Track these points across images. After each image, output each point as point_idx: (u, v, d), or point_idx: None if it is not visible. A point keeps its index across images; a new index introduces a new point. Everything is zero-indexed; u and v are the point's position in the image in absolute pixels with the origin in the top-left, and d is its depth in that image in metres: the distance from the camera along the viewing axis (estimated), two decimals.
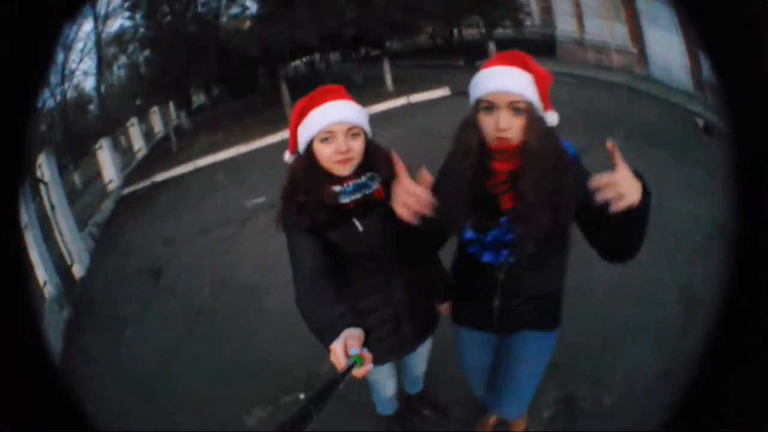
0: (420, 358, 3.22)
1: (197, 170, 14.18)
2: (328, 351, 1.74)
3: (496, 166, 2.31)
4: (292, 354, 4.92)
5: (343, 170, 2.35)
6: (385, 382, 3.16)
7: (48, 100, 15.83)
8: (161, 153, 16.69)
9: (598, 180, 1.88)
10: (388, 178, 2.31)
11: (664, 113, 10.37)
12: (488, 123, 2.21)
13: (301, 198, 2.33)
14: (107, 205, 12.65)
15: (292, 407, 4.37)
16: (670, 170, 7.07)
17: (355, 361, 1.64)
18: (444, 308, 3.01)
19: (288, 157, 2.53)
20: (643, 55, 14.07)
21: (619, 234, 2.16)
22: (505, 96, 2.15)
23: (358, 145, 2.35)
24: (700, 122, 9.05)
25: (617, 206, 1.88)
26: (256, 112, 18.06)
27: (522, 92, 2.15)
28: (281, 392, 4.62)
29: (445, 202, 2.11)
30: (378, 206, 2.39)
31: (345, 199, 2.38)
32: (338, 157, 2.30)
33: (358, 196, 2.39)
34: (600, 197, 1.87)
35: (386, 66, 17.79)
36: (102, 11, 16.56)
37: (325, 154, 2.30)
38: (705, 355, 1.41)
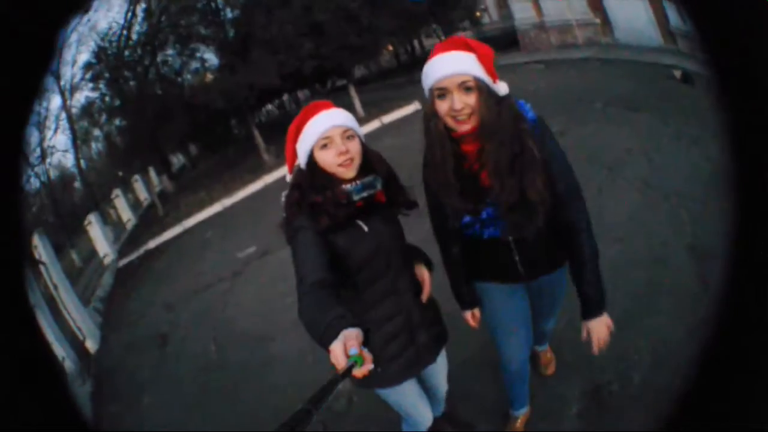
0: (440, 376, 3.17)
1: (186, 231, 14.26)
2: (328, 352, 1.74)
3: (465, 148, 2.43)
4: (305, 395, 4.81)
5: (348, 173, 2.38)
6: (418, 406, 3.06)
7: (33, 180, 15.94)
8: (150, 220, 16.80)
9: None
10: (387, 179, 2.49)
11: (638, 75, 10.45)
12: (444, 107, 2.31)
13: (317, 199, 2.35)
14: (107, 279, 12.69)
15: None
16: (657, 130, 7.05)
17: (355, 362, 1.64)
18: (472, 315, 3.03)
19: (288, 176, 2.57)
20: (606, 23, 14.20)
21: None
22: (454, 78, 2.26)
23: (355, 146, 2.40)
24: (677, 73, 9.05)
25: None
26: (234, 163, 18.04)
27: (468, 71, 2.26)
28: None
29: (437, 193, 2.48)
30: (380, 208, 2.49)
31: (356, 196, 2.39)
32: (340, 159, 2.34)
33: (365, 194, 2.41)
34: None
35: (353, 92, 17.90)
36: (67, 85, 16.72)
37: (327, 159, 2.36)
38: (724, 311, 1.33)
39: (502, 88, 2.36)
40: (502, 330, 3.07)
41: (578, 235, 2.58)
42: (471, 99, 2.28)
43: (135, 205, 18.33)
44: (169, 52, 18.21)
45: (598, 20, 14.40)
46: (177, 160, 22.23)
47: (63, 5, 1.35)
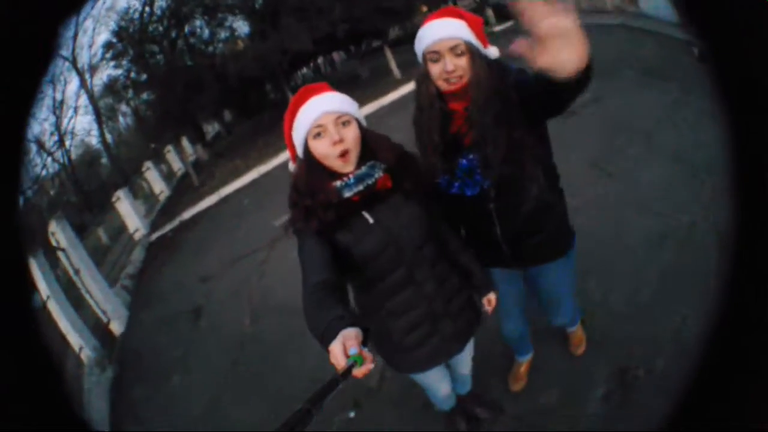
0: (464, 358, 3.12)
1: (222, 200, 14.23)
2: (328, 352, 1.62)
3: (452, 106, 2.48)
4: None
5: (345, 166, 2.23)
6: (437, 384, 3.02)
7: (50, 164, 16.07)
8: (184, 190, 16.86)
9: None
10: (393, 166, 2.33)
11: (665, 47, 10.27)
12: (436, 69, 2.39)
13: (307, 202, 2.24)
14: (137, 255, 12.69)
15: (344, 425, 4.24)
16: (682, 103, 6.90)
17: (355, 361, 1.54)
18: (488, 301, 2.87)
19: (292, 167, 2.45)
20: None
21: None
22: (445, 42, 2.34)
23: (350, 133, 2.23)
24: (695, 50, 8.85)
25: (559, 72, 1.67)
26: (269, 129, 17.98)
27: (458, 35, 2.34)
28: (333, 412, 4.48)
29: (420, 151, 2.52)
30: (385, 197, 2.33)
31: (348, 193, 2.26)
32: (334, 150, 2.18)
33: (360, 187, 2.27)
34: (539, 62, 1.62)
35: (389, 55, 17.70)
36: (85, 66, 16.79)
37: (320, 149, 2.21)
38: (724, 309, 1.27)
39: (492, 51, 2.45)
40: (499, 309, 3.05)
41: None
42: (462, 61, 2.35)
43: (169, 176, 18.40)
44: (197, 23, 18.24)
45: None
46: (212, 128, 22.33)
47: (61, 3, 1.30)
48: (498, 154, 2.39)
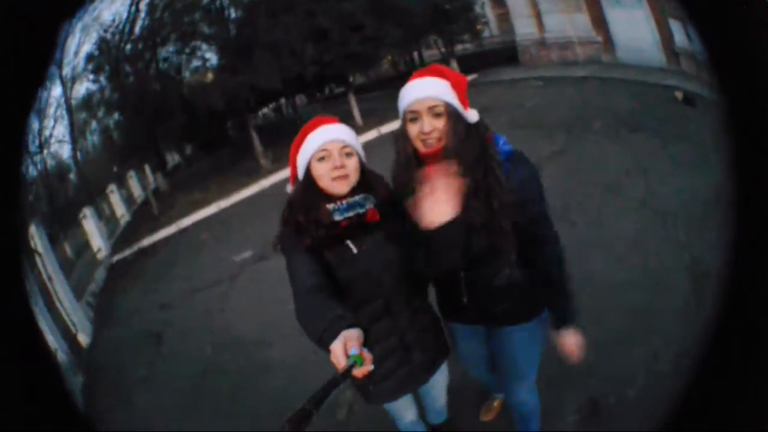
0: (438, 389, 3.21)
1: (181, 231, 14.17)
2: (328, 352, 1.76)
3: (430, 169, 2.54)
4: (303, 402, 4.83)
5: (341, 188, 2.43)
6: (402, 411, 3.13)
7: (31, 169, 15.81)
8: (144, 217, 16.64)
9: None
10: (384, 201, 2.52)
11: (638, 96, 10.45)
12: (414, 130, 2.46)
13: (300, 218, 2.41)
14: (100, 274, 12.62)
15: None
16: (656, 151, 7.13)
17: (355, 361, 1.66)
18: None
19: (290, 188, 2.62)
20: (608, 41, 14.15)
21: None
22: (424, 102, 2.42)
23: (352, 163, 2.45)
24: (679, 94, 9.06)
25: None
26: (229, 165, 18.04)
27: (438, 96, 2.41)
28: None
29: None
30: (372, 229, 2.48)
31: (338, 217, 2.43)
32: (334, 173, 2.39)
33: (350, 214, 2.44)
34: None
35: (352, 101, 17.88)
36: (69, 75, 16.57)
37: (321, 171, 2.41)
38: (717, 330, 1.39)
39: (472, 115, 2.51)
40: (462, 361, 3.27)
41: (543, 244, 2.65)
42: (440, 123, 2.42)
43: (129, 201, 18.19)
44: (170, 48, 18.12)
45: (600, 38, 14.39)
46: (172, 158, 22.11)
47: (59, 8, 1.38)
48: (475, 223, 2.45)
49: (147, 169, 19.48)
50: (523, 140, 8.48)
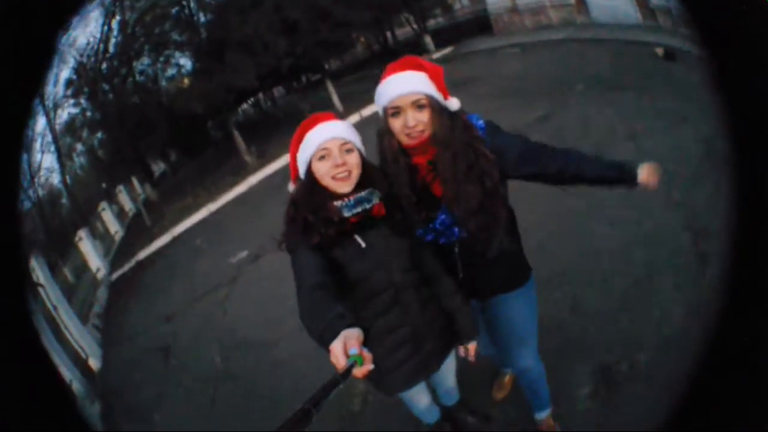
0: (446, 372, 3.20)
1: (175, 239, 14.20)
2: (328, 352, 1.75)
3: (416, 161, 2.57)
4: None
5: (344, 186, 2.41)
6: (416, 396, 3.14)
7: (25, 202, 15.77)
8: (137, 230, 16.61)
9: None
10: (388, 195, 2.52)
11: (618, 55, 10.42)
12: (398, 125, 2.47)
13: (308, 217, 2.39)
14: (101, 294, 12.61)
15: None
16: (642, 109, 7.09)
17: (355, 361, 1.66)
18: (464, 349, 2.95)
19: (291, 186, 2.61)
20: (581, 2, 14.09)
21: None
22: (406, 97, 2.41)
23: (353, 159, 2.43)
24: (660, 50, 9.01)
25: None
26: (215, 167, 17.90)
27: (420, 89, 2.41)
28: None
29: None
30: (379, 223, 2.49)
31: (347, 213, 2.42)
32: (336, 171, 2.38)
33: (359, 209, 2.44)
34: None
35: (330, 87, 17.85)
36: (50, 103, 16.48)
37: (322, 170, 2.39)
38: (728, 286, 1.38)
39: (453, 103, 2.52)
40: None
41: (550, 152, 2.59)
42: (424, 116, 2.43)
43: (121, 215, 18.18)
44: (145, 60, 18.06)
45: (572, 0, 14.38)
46: (158, 167, 22.05)
47: (51, 26, 1.37)
48: (470, 207, 2.49)
49: (135, 181, 19.46)
50: (506, 109, 8.49)
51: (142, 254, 14.14)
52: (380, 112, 2.57)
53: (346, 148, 2.41)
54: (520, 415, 3.71)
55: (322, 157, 2.39)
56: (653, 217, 5.06)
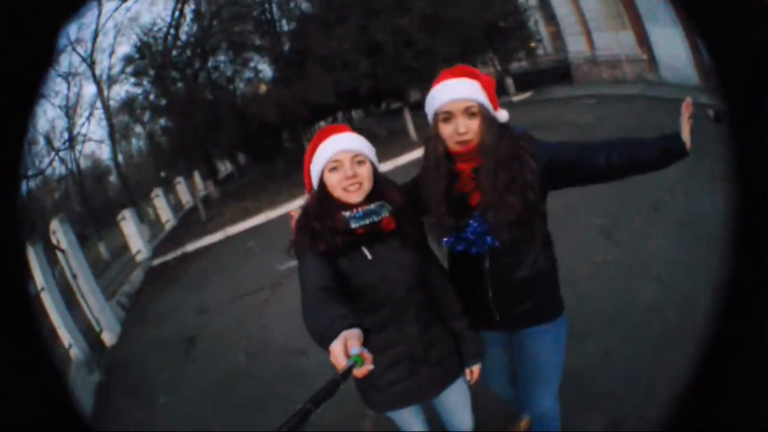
0: (457, 411, 3.10)
1: (228, 238, 14.30)
2: (328, 352, 1.70)
3: (460, 167, 2.50)
4: (327, 420, 4.79)
5: (354, 197, 2.37)
6: (406, 420, 3.01)
7: (57, 165, 16.03)
8: (190, 223, 16.93)
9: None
10: (400, 209, 2.43)
11: (679, 114, 10.37)
12: (448, 130, 2.42)
13: (316, 226, 2.35)
14: (137, 276, 12.82)
15: None
16: (696, 171, 6.98)
17: (355, 361, 1.61)
18: (470, 372, 2.87)
19: (306, 197, 2.56)
20: (652, 59, 14.10)
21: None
22: (459, 103, 2.38)
23: (364, 171, 2.38)
24: (711, 113, 8.87)
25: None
26: (282, 177, 18.00)
27: (473, 97, 2.38)
28: None
29: (426, 211, 2.52)
30: (387, 238, 2.43)
31: (354, 224, 2.37)
32: (347, 183, 2.34)
33: (366, 222, 2.39)
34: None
35: (407, 116, 17.86)
36: (104, 75, 16.75)
37: (333, 181, 2.36)
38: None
39: (502, 115, 2.50)
40: (483, 371, 3.03)
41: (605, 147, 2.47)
42: (474, 124, 2.39)
43: (176, 206, 18.40)
44: (221, 58, 18.24)
45: (645, 56, 14.37)
46: (224, 167, 22.36)
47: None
48: (508, 217, 2.43)
49: (197, 176, 19.71)
50: None
51: (191, 247, 14.36)
52: (430, 117, 2.54)
53: (358, 159, 2.38)
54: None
55: (333, 168, 2.37)
56: (691, 278, 4.96)
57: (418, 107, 19.72)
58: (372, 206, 2.41)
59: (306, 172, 2.53)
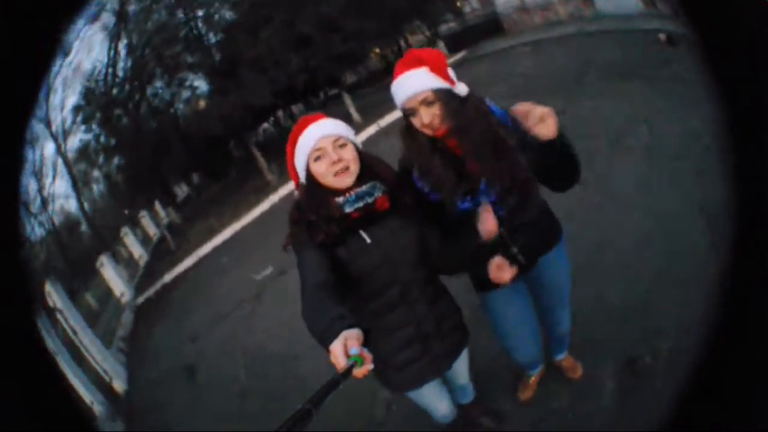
0: (459, 369, 3.13)
1: (200, 260, 14.30)
2: (328, 352, 1.72)
3: (448, 143, 2.52)
4: (339, 409, 4.81)
5: (345, 181, 2.37)
6: (435, 404, 3.05)
7: (37, 229, 15.94)
8: (162, 254, 16.78)
9: (517, 109, 2.19)
10: (391, 186, 2.47)
11: (625, 44, 10.42)
12: (417, 123, 2.47)
13: (310, 217, 2.36)
14: (126, 318, 12.75)
15: None
16: (651, 95, 7.07)
17: (355, 361, 1.63)
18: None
19: (296, 194, 2.56)
20: None
21: (556, 164, 2.39)
22: (414, 98, 2.41)
23: (348, 154, 2.39)
24: (662, 36, 8.99)
25: (540, 132, 2.18)
26: (238, 187, 17.95)
27: (423, 87, 2.40)
28: None
29: (437, 191, 2.50)
30: (383, 218, 2.44)
31: (348, 208, 2.38)
32: (333, 169, 2.34)
33: (360, 204, 2.40)
34: (525, 125, 2.18)
35: (347, 100, 17.90)
36: (59, 130, 16.63)
37: (321, 170, 2.36)
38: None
39: (461, 88, 2.50)
40: (510, 337, 3.19)
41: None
42: (436, 110, 2.41)
43: (145, 240, 18.33)
44: (158, 84, 18.18)
45: None
46: (181, 190, 22.22)
47: (43, 48, 1.34)
48: (504, 182, 2.48)
49: (157, 205, 19.63)
50: None
51: (168, 277, 14.30)
52: (401, 112, 2.57)
53: (339, 143, 2.38)
54: (542, 415, 3.67)
55: (317, 158, 2.36)
56: (671, 202, 5.01)
57: (356, 88, 19.65)
58: (364, 188, 2.42)
59: (291, 168, 2.53)
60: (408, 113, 2.48)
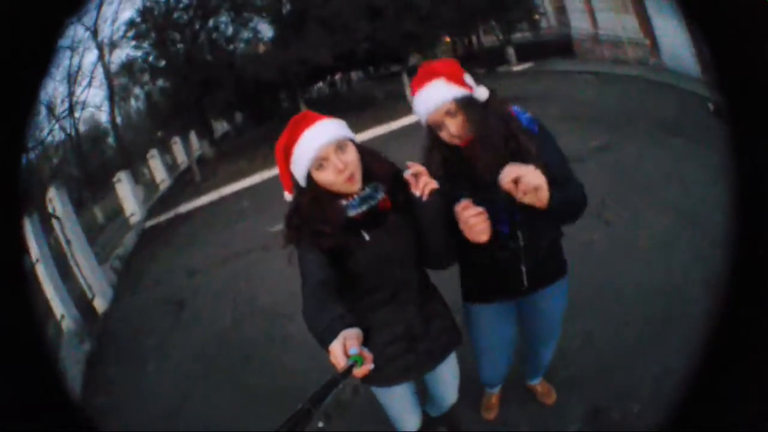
0: (445, 386, 3.11)
1: (222, 199, 14.32)
2: (328, 352, 1.71)
3: (470, 151, 2.53)
4: (315, 380, 4.81)
5: (352, 186, 2.32)
6: (403, 415, 3.01)
7: (57, 132, 16.00)
8: (184, 184, 16.92)
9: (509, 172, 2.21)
10: (390, 182, 2.41)
11: (681, 102, 10.38)
12: (445, 135, 2.51)
13: (315, 226, 2.31)
14: (130, 238, 12.78)
15: None
16: (691, 157, 7.03)
17: (355, 361, 1.63)
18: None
19: (288, 196, 2.49)
20: (655, 46, 14.06)
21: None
22: (436, 111, 2.45)
23: (350, 156, 2.31)
24: (711, 105, 8.98)
25: (530, 202, 2.19)
26: (278, 137, 17.83)
27: (443, 100, 2.44)
28: None
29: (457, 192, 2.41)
30: (385, 217, 2.40)
31: (352, 212, 2.34)
32: (341, 177, 2.27)
33: (364, 208, 2.35)
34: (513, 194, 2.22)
35: (405, 80, 17.75)
36: (105, 40, 16.67)
37: (327, 179, 2.29)
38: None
39: (481, 93, 2.53)
40: (485, 354, 3.28)
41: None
42: (460, 119, 2.45)
43: (172, 167, 18.39)
44: (222, 18, 18.17)
45: (647, 41, 14.33)
46: (221, 126, 22.27)
47: None
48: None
49: (193, 135, 19.65)
50: (570, 132, 8.45)
51: (184, 208, 14.35)
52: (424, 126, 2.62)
53: (340, 147, 2.30)
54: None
55: (320, 166, 2.28)
56: (682, 264, 4.99)
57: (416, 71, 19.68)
58: (367, 190, 2.38)
59: (282, 170, 2.45)
60: (435, 127, 2.52)
